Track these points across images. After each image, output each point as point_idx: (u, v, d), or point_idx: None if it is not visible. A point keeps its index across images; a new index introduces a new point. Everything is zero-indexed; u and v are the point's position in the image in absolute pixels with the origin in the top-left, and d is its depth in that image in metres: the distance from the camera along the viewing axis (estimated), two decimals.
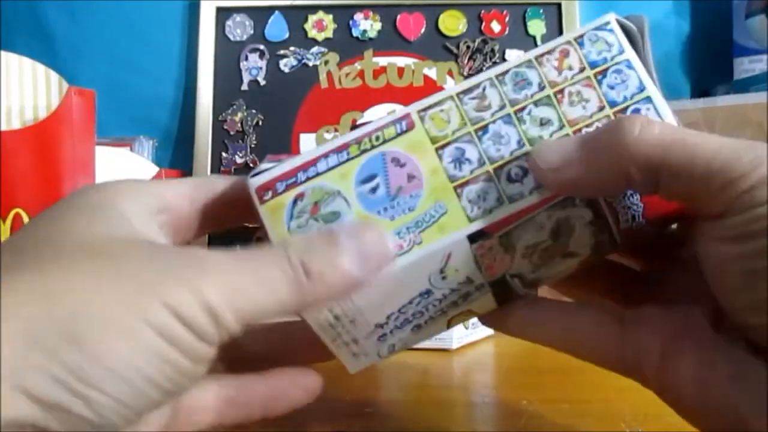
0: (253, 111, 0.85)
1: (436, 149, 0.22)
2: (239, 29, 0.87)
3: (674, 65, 0.89)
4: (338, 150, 0.22)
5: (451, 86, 0.23)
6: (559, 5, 0.86)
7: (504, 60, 0.85)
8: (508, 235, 0.22)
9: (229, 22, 0.87)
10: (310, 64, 0.86)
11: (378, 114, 0.85)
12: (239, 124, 0.85)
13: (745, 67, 0.82)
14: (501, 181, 0.22)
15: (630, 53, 0.22)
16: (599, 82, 0.22)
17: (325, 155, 0.22)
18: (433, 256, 0.21)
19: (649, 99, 0.22)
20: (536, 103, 0.22)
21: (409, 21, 0.87)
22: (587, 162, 0.20)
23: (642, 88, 0.22)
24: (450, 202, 0.21)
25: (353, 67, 0.86)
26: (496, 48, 0.86)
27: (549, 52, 0.22)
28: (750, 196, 0.18)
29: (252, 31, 0.87)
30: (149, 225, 0.21)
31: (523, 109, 0.22)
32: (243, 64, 0.86)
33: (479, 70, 0.85)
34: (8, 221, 0.50)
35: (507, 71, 0.23)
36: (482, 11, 0.86)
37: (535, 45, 0.86)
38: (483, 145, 0.22)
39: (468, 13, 0.86)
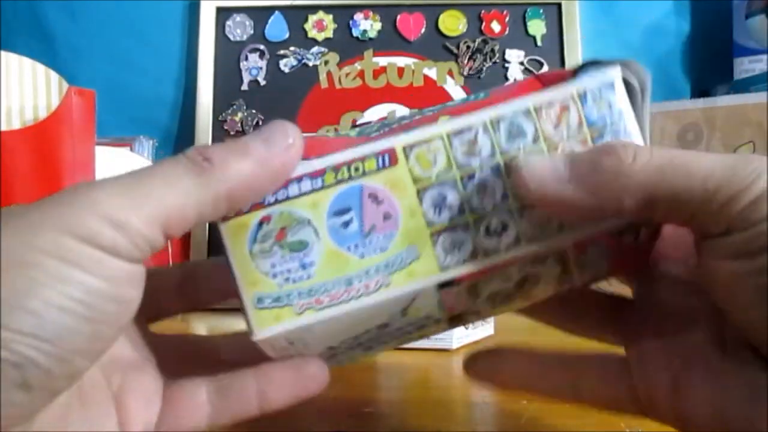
0: (253, 111, 0.85)
1: (418, 190, 0.21)
2: (239, 29, 0.87)
3: (674, 65, 0.89)
4: (313, 175, 0.20)
5: (442, 123, 0.21)
6: (559, 5, 0.86)
7: (504, 60, 0.86)
8: (475, 285, 0.21)
9: (229, 22, 0.87)
10: (310, 64, 0.86)
11: (378, 114, 0.85)
12: (239, 124, 0.85)
13: (745, 67, 0.82)
14: (479, 233, 0.21)
15: (629, 118, 0.21)
16: (594, 143, 0.21)
17: (299, 178, 0.20)
18: (398, 299, 0.21)
19: None
20: (528, 156, 0.21)
21: (409, 21, 0.87)
22: (578, 182, 0.19)
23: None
24: (423, 248, 0.20)
25: (353, 67, 0.86)
26: (496, 48, 0.86)
27: (550, 105, 0.21)
28: (752, 211, 0.17)
29: (252, 31, 0.87)
30: None
31: (513, 160, 0.21)
32: (243, 64, 0.86)
33: (479, 71, 0.86)
34: None
35: (503, 118, 0.21)
36: (482, 11, 0.86)
37: (535, 45, 0.86)
38: (466, 193, 0.21)
39: (468, 13, 0.86)
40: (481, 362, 0.26)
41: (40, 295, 0.17)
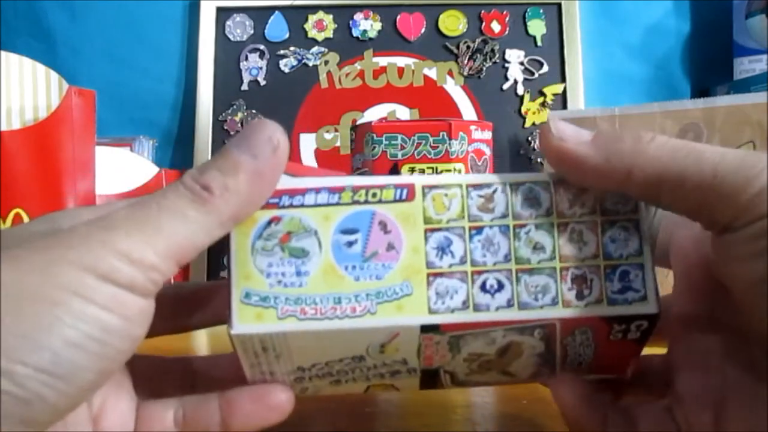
0: (253, 111, 0.85)
1: (426, 230, 0.21)
2: (239, 29, 0.87)
3: (674, 65, 0.89)
4: (332, 190, 0.21)
5: (465, 175, 0.22)
6: (559, 5, 0.86)
7: (504, 60, 0.86)
8: (458, 338, 0.21)
9: (229, 22, 0.87)
10: (310, 64, 0.86)
11: (378, 114, 0.85)
12: (239, 124, 0.85)
13: (745, 67, 0.82)
14: (474, 286, 0.21)
15: (642, 216, 0.21)
16: (603, 231, 0.21)
17: (317, 190, 0.21)
18: (381, 330, 0.21)
19: (641, 266, 0.21)
20: (537, 226, 0.21)
21: (409, 21, 0.87)
22: (596, 146, 0.20)
23: (639, 253, 0.21)
24: (418, 287, 0.21)
25: (353, 67, 0.86)
26: (496, 48, 0.86)
27: (570, 183, 0.21)
28: (756, 205, 0.17)
29: (252, 31, 0.87)
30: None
31: (523, 226, 0.21)
32: (243, 64, 0.86)
33: (479, 71, 0.86)
34: (8, 221, 0.50)
35: (523, 183, 0.21)
36: (482, 11, 0.86)
37: (535, 45, 0.86)
38: (471, 244, 0.21)
39: (468, 13, 0.86)
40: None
41: (59, 332, 0.17)
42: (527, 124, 0.85)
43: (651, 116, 0.60)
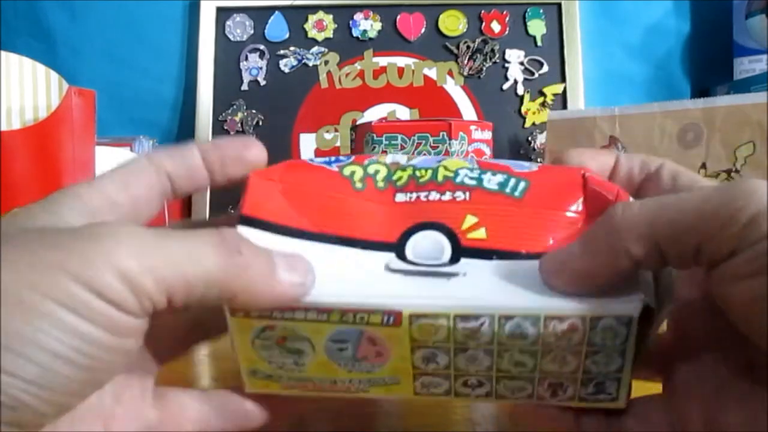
0: (253, 111, 0.85)
1: (412, 347, 0.22)
2: (239, 29, 0.87)
3: (674, 65, 0.89)
4: (320, 310, 0.21)
5: (451, 300, 0.21)
6: (559, 5, 0.86)
7: (504, 60, 0.86)
8: None
9: (229, 22, 0.87)
10: (310, 64, 0.86)
11: (378, 114, 0.85)
12: (239, 124, 0.85)
13: (745, 67, 0.82)
14: (457, 383, 0.23)
15: (630, 345, 0.21)
16: (587, 357, 0.21)
17: (305, 309, 0.21)
18: (374, 397, 0.24)
19: (618, 380, 0.22)
20: (522, 351, 0.21)
21: (409, 21, 0.87)
22: (588, 252, 0.20)
23: (619, 370, 0.22)
24: (405, 379, 0.23)
25: (353, 67, 0.86)
26: (496, 48, 0.86)
27: (561, 320, 0.21)
28: (753, 230, 0.17)
29: (252, 31, 0.87)
30: (81, 218, 0.21)
31: (507, 350, 0.22)
32: (243, 64, 0.86)
33: (479, 70, 0.85)
34: None
35: (512, 318, 0.21)
36: (482, 11, 0.86)
37: (535, 45, 0.86)
38: (456, 358, 0.22)
39: (468, 13, 0.86)
40: None
41: (45, 345, 0.17)
42: (527, 124, 0.85)
43: (651, 116, 0.60)
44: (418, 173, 0.24)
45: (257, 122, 0.85)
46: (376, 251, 0.22)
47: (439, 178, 0.24)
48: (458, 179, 0.23)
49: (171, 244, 0.18)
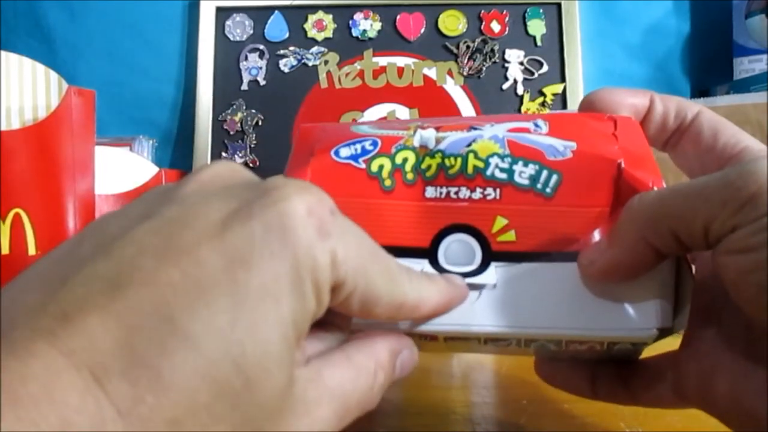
0: (253, 111, 0.85)
1: (450, 349, 0.25)
2: (239, 29, 0.87)
3: (674, 65, 0.89)
4: None
5: (480, 327, 0.22)
6: (559, 5, 0.86)
7: (504, 60, 0.86)
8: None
9: (228, 22, 0.87)
10: (310, 64, 0.86)
11: (378, 114, 0.85)
12: (239, 124, 0.85)
13: (745, 67, 0.82)
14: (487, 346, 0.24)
15: (639, 354, 0.24)
16: (606, 353, 0.23)
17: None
18: None
19: (636, 352, 0.24)
20: (547, 353, 0.25)
21: (409, 21, 0.87)
22: (612, 245, 0.21)
23: (636, 356, 0.24)
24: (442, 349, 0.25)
25: (353, 67, 0.86)
26: (496, 48, 0.86)
27: (581, 343, 0.22)
28: (752, 208, 0.18)
29: (252, 31, 0.87)
30: None
31: (534, 352, 0.25)
32: (243, 64, 0.86)
33: (479, 70, 0.85)
34: (8, 221, 0.50)
35: (536, 340, 0.23)
36: (482, 11, 0.86)
37: (535, 45, 0.86)
38: (487, 347, 0.24)
39: (468, 13, 0.86)
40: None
41: None
42: None
43: None
44: (447, 162, 0.23)
45: (257, 122, 0.85)
46: (411, 258, 0.22)
47: (469, 170, 0.23)
48: (488, 172, 0.23)
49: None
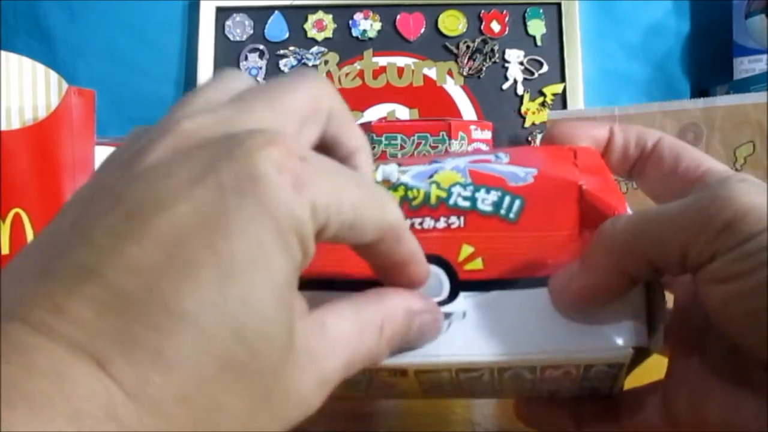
0: None
1: (422, 387, 0.23)
2: (239, 29, 0.87)
3: (674, 65, 0.89)
4: None
5: (451, 358, 0.22)
6: (558, 5, 0.86)
7: (504, 60, 0.86)
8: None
9: (228, 22, 0.87)
10: (310, 64, 0.86)
11: (378, 114, 0.85)
12: None
13: (745, 67, 0.82)
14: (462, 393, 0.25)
15: (622, 374, 0.22)
16: (582, 382, 0.23)
17: None
18: None
19: (611, 387, 0.23)
20: (521, 385, 0.23)
21: (409, 21, 0.87)
22: (585, 271, 0.21)
23: (613, 385, 0.23)
24: (414, 394, 0.24)
25: (353, 67, 0.86)
26: (496, 48, 0.86)
27: (556, 368, 0.22)
28: (729, 235, 0.18)
29: (252, 31, 0.87)
30: None
31: (508, 385, 0.23)
32: (243, 64, 0.86)
33: (479, 70, 0.85)
34: (8, 221, 0.50)
35: (510, 368, 0.22)
36: (482, 11, 0.86)
37: (535, 45, 0.86)
38: (460, 386, 0.23)
39: (468, 13, 0.86)
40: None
41: None
42: (527, 124, 0.85)
43: (651, 116, 0.60)
44: (410, 194, 0.23)
45: None
46: None
47: (432, 200, 0.23)
48: (451, 201, 0.23)
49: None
